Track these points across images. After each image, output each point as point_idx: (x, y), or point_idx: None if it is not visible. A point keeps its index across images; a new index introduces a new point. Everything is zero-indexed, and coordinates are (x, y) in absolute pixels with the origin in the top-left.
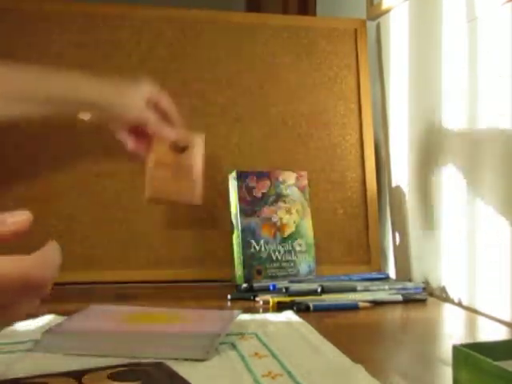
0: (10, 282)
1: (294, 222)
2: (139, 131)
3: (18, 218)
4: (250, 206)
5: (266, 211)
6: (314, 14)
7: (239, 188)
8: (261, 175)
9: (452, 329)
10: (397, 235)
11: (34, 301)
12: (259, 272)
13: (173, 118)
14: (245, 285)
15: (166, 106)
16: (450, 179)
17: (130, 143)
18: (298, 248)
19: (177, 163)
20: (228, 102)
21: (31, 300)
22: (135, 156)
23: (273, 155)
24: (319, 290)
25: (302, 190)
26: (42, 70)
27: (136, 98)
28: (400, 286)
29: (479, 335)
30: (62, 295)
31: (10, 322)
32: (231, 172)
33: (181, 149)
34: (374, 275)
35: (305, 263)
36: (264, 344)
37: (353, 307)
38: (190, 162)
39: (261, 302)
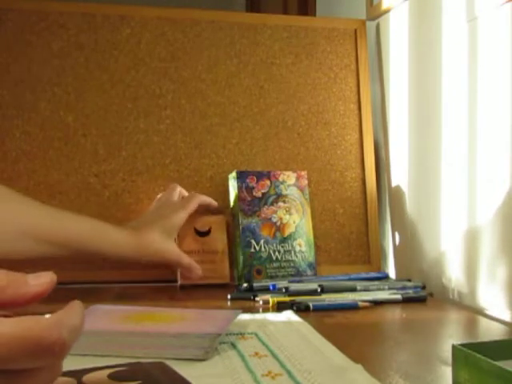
0: (20, 346)
1: (294, 222)
2: None
3: (41, 280)
4: (250, 206)
5: (266, 211)
6: (313, 14)
7: (239, 188)
8: (261, 175)
9: (452, 329)
10: (397, 235)
11: (55, 366)
12: (259, 272)
13: (212, 204)
14: (245, 285)
15: (205, 203)
16: (449, 178)
17: None
18: (297, 248)
19: (201, 248)
20: (228, 102)
21: (51, 366)
22: None
23: (273, 155)
24: (319, 289)
25: (301, 189)
26: (66, 214)
27: (165, 242)
28: (400, 285)
29: (479, 335)
30: (62, 295)
31: None
32: (231, 172)
33: (204, 233)
34: (374, 275)
35: (305, 263)
36: (264, 344)
37: (353, 307)
38: (213, 246)
39: (261, 302)
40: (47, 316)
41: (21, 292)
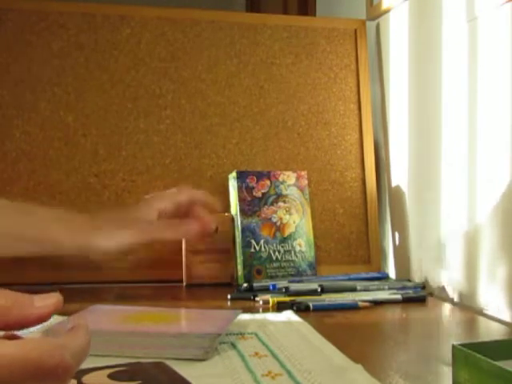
0: (21, 368)
1: (294, 222)
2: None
3: (47, 302)
4: (250, 206)
5: (266, 211)
6: (313, 14)
7: (239, 188)
8: (261, 175)
9: (452, 329)
10: (397, 235)
11: None
12: (259, 272)
13: (210, 204)
14: (245, 285)
15: (200, 199)
16: (449, 178)
17: None
18: (297, 248)
19: (208, 248)
20: (228, 102)
21: None
22: None
23: (273, 155)
24: (319, 289)
25: (301, 189)
26: (21, 206)
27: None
28: (400, 285)
29: (479, 335)
30: (62, 295)
31: None
32: (231, 172)
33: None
34: (374, 275)
35: (305, 263)
36: (264, 344)
37: (353, 307)
38: (220, 245)
39: (261, 302)
40: (51, 339)
41: (26, 313)
